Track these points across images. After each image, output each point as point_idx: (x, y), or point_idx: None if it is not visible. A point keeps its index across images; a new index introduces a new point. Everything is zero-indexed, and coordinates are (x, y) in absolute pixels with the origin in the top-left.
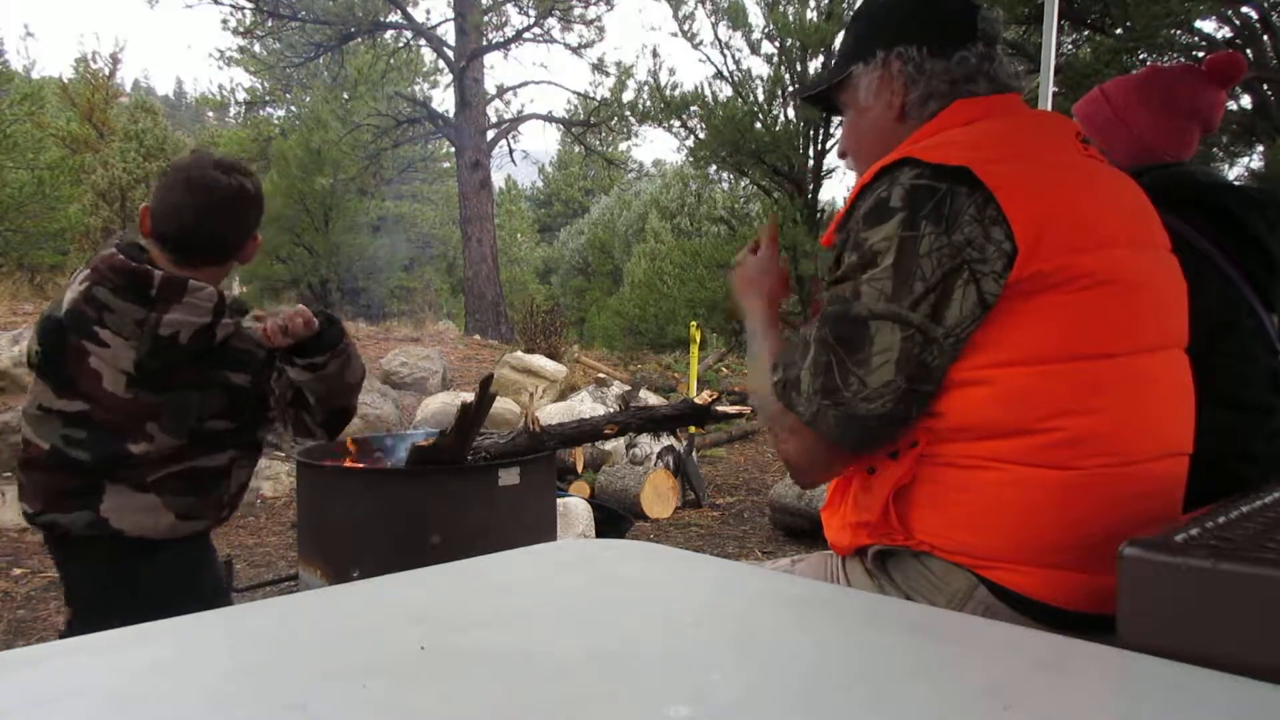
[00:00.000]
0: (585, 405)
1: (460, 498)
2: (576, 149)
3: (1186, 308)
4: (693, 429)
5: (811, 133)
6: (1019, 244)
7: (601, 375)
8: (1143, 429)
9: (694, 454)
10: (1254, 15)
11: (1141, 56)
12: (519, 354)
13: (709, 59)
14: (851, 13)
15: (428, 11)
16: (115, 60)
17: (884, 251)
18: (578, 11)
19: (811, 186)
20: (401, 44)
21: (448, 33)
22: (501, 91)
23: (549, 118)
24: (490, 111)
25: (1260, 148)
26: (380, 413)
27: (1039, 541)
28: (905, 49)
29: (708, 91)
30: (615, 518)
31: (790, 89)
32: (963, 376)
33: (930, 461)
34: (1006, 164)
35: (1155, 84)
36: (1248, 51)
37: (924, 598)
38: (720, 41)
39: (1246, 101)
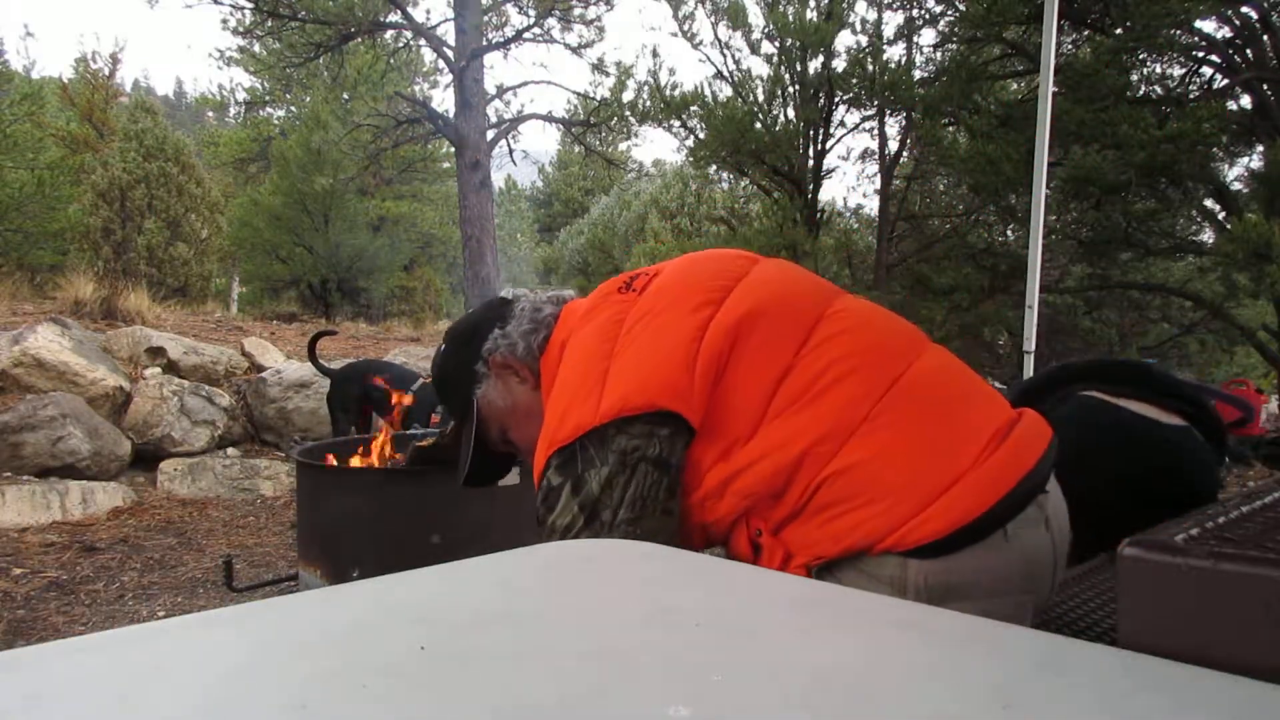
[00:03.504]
0: None
1: (460, 498)
2: (576, 149)
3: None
4: None
5: (811, 133)
6: (674, 409)
7: None
8: (879, 359)
9: None
10: (1254, 15)
11: (1141, 56)
12: None
13: (709, 59)
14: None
15: (428, 11)
16: (115, 60)
17: (573, 516)
18: (578, 11)
19: (811, 186)
20: (401, 44)
21: (448, 33)
22: (501, 91)
23: (549, 118)
24: (490, 111)
25: (1260, 148)
26: None
27: (908, 484)
28: (493, 340)
29: (708, 91)
30: None
31: (790, 89)
32: (716, 485)
33: (786, 528)
34: (593, 393)
35: None
36: (1248, 51)
37: None
38: (720, 41)
39: (1246, 101)
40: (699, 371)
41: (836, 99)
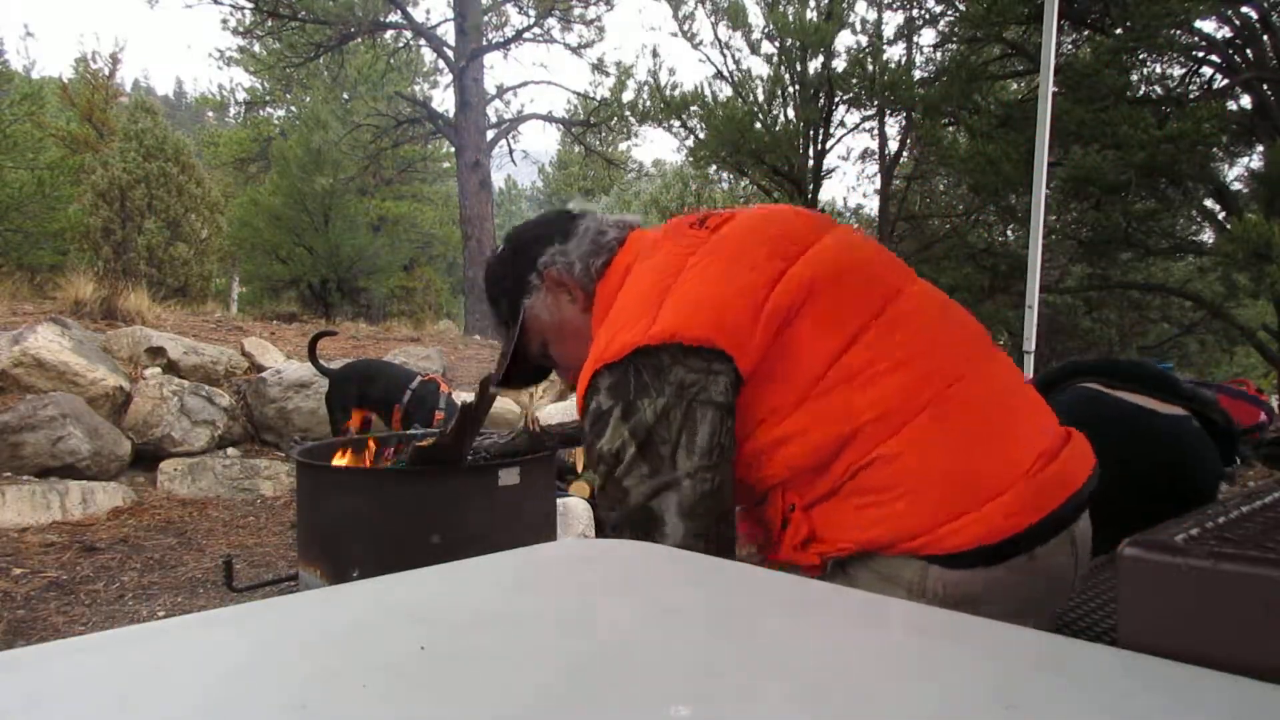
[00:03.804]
0: None
1: (460, 498)
2: (576, 149)
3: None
4: None
5: (811, 133)
6: (727, 351)
7: None
8: (932, 362)
9: None
10: (1254, 15)
11: (1141, 56)
12: None
13: (709, 59)
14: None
15: (428, 11)
16: (115, 60)
17: (624, 446)
18: (578, 11)
19: (811, 186)
20: (401, 44)
21: (448, 33)
22: (501, 91)
23: (549, 118)
24: (490, 111)
25: (1260, 148)
26: None
27: (948, 488)
28: (551, 252)
29: (708, 91)
30: None
31: (790, 89)
32: (765, 445)
33: (818, 505)
34: (657, 313)
35: None
36: (1248, 51)
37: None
38: (720, 41)
39: (1246, 101)
40: (764, 320)
41: (836, 99)
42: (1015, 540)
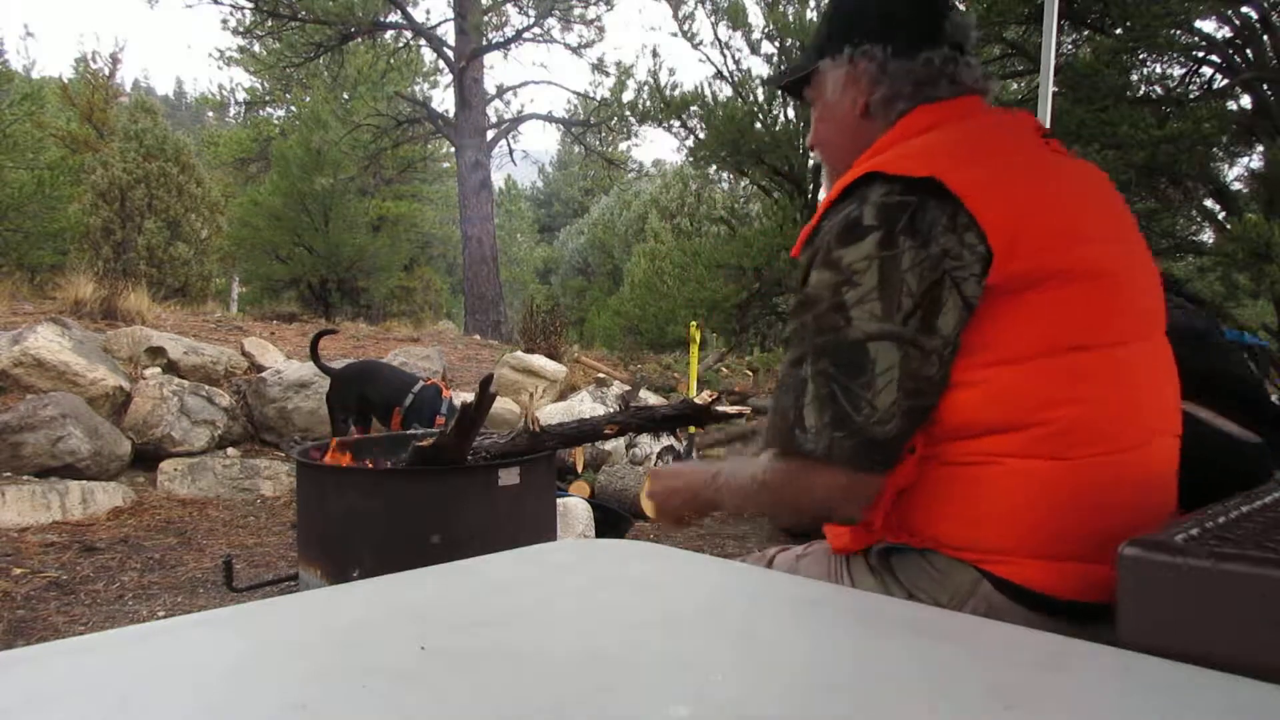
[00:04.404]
0: (585, 405)
1: (460, 498)
2: (576, 149)
3: (1161, 293)
4: (693, 429)
5: None
6: (993, 248)
7: (601, 375)
8: (1129, 415)
9: (694, 454)
10: (1254, 15)
11: (1141, 56)
12: (519, 354)
13: (709, 59)
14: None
15: (428, 11)
16: (115, 60)
17: (864, 271)
18: (578, 11)
19: (811, 186)
20: (401, 44)
21: (448, 33)
22: (501, 91)
23: (549, 118)
24: (490, 111)
25: (1260, 148)
26: None
27: (1039, 533)
28: (870, 48)
29: (708, 91)
30: (615, 518)
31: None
32: (952, 380)
33: (929, 463)
34: (971, 169)
35: None
36: (1248, 51)
37: (927, 595)
38: (720, 41)
39: (1246, 101)
40: (1046, 256)
41: None
42: (1086, 607)
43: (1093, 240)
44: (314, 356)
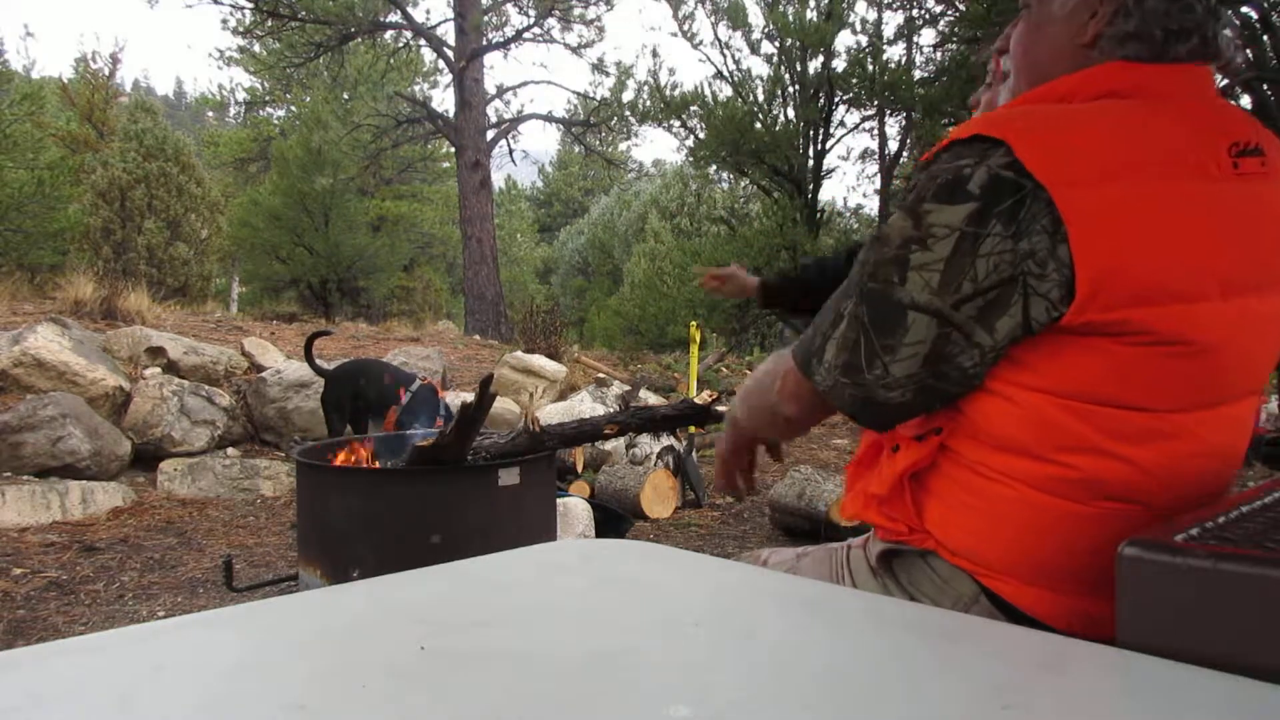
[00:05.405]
0: (585, 405)
1: (460, 498)
2: (576, 149)
3: (1276, 356)
4: (693, 429)
5: (811, 133)
6: (1077, 289)
7: (601, 375)
8: (1176, 485)
9: (694, 454)
10: (1254, 15)
11: None
12: (519, 354)
13: (709, 59)
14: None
15: (428, 11)
16: (115, 60)
17: (942, 239)
18: (578, 11)
19: (811, 186)
20: (401, 44)
21: (448, 33)
22: (501, 91)
23: (549, 118)
24: (490, 111)
25: None
26: None
27: (1042, 563)
28: None
29: (708, 91)
30: (615, 518)
31: (790, 89)
32: (988, 385)
33: (949, 455)
34: (1096, 186)
35: None
36: (1248, 51)
37: (929, 599)
38: (720, 41)
39: (1246, 101)
40: (1137, 300)
41: (836, 99)
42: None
43: (1206, 300)
44: (308, 357)
